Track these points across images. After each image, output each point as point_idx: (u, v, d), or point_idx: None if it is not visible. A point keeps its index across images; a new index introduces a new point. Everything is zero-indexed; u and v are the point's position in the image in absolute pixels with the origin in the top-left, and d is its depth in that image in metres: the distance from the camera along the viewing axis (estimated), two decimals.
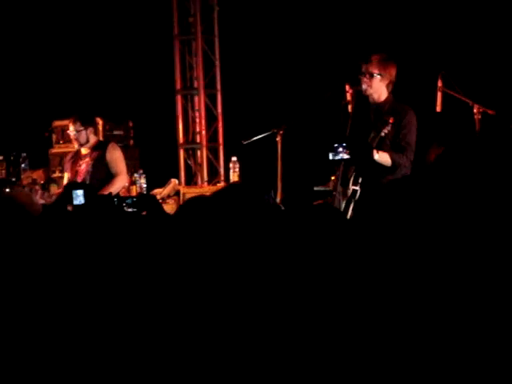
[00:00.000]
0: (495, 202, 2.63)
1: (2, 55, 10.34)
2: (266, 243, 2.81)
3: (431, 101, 7.22)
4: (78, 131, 7.79)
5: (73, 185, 7.39)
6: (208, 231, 2.86)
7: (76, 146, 7.93)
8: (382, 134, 6.37)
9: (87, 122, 7.84)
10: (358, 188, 6.39)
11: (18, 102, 10.34)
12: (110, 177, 7.87)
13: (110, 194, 7.58)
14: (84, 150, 7.92)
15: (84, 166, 7.82)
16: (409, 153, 6.49)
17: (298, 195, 7.37)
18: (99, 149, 7.88)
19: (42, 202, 7.41)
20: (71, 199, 5.90)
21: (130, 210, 5.91)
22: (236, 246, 2.80)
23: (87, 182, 7.66)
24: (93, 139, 7.92)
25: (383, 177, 6.39)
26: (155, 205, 4.94)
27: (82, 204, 6.90)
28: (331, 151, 6.28)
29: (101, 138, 9.12)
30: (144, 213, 5.10)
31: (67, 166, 8.04)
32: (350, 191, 6.40)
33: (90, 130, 7.86)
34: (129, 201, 6.35)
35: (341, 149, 6.25)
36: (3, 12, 10.18)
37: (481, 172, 2.80)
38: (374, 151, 6.33)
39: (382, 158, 6.38)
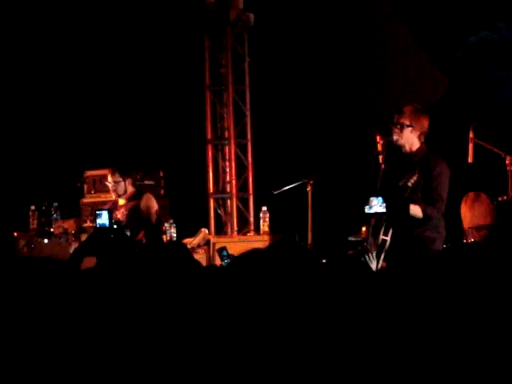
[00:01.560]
0: None
1: (36, 105, 10.47)
2: (306, 298, 2.80)
3: (463, 152, 7.21)
4: (116, 182, 7.87)
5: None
6: (259, 286, 2.85)
7: (114, 196, 8.02)
8: (409, 184, 6.36)
9: (126, 173, 7.93)
10: (387, 238, 6.36)
11: (51, 151, 10.44)
12: (142, 227, 7.93)
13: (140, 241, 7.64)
14: (121, 201, 8.00)
15: (119, 217, 7.88)
16: (440, 204, 6.46)
17: (330, 246, 7.35)
18: (135, 199, 7.94)
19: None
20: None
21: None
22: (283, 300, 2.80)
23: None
24: (130, 190, 7.99)
25: (414, 229, 6.37)
26: (184, 252, 4.93)
27: (105, 227, 6.92)
28: (366, 204, 6.26)
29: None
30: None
31: None
32: (379, 241, 6.38)
33: (129, 181, 7.95)
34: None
35: (375, 202, 6.23)
36: (34, 67, 10.33)
37: None
38: (412, 206, 6.31)
39: (414, 210, 6.37)
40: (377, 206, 6.22)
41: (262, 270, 2.76)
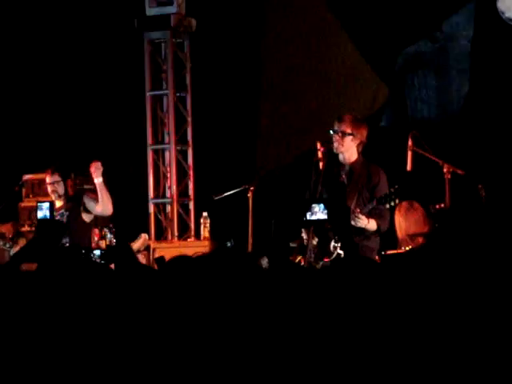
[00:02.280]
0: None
1: None
2: (245, 302, 2.82)
3: (402, 160, 7.31)
4: (56, 182, 7.75)
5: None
6: (192, 288, 2.86)
7: (53, 197, 7.87)
8: (366, 210, 6.38)
9: (65, 174, 7.82)
10: (341, 252, 6.41)
11: None
12: (86, 226, 7.85)
13: (78, 245, 7.57)
14: (58, 203, 7.87)
15: (58, 218, 7.76)
16: (388, 215, 6.55)
17: (273, 251, 7.38)
18: (74, 200, 7.84)
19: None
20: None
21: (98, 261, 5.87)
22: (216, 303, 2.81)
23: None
24: (69, 191, 7.87)
25: (360, 240, 6.44)
26: (128, 254, 4.90)
27: (47, 218, 6.85)
28: (308, 211, 6.29)
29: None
30: (112, 265, 5.06)
31: None
32: (334, 254, 6.40)
33: (68, 181, 7.84)
34: (97, 252, 6.30)
35: (317, 208, 6.27)
36: None
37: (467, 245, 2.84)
38: (365, 218, 6.35)
39: (371, 225, 6.42)
40: (319, 212, 6.25)
41: (191, 275, 2.78)
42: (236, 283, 2.82)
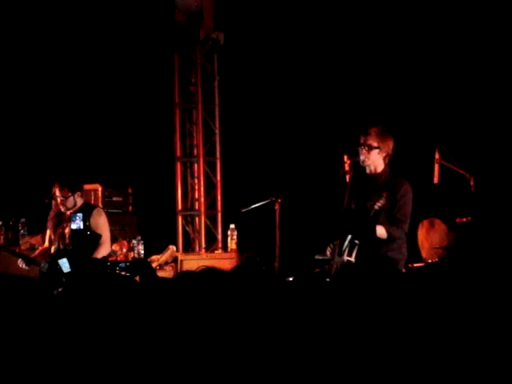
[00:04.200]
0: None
1: (3, 118, 10.44)
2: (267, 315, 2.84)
3: (429, 173, 7.30)
4: (65, 197, 7.78)
5: (57, 254, 7.44)
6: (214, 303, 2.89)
7: (62, 209, 7.88)
8: (376, 207, 6.43)
9: (74, 187, 7.83)
10: (352, 259, 6.43)
11: (19, 167, 10.41)
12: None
13: (104, 258, 7.62)
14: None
15: (68, 230, 7.77)
16: (404, 225, 6.54)
17: (297, 264, 7.40)
18: (85, 212, 7.84)
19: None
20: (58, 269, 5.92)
21: (122, 273, 5.94)
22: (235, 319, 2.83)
23: (71, 247, 7.65)
24: (79, 202, 7.88)
25: (378, 249, 6.44)
26: (148, 270, 4.97)
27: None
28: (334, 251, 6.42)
29: (100, 204, 9.18)
30: (137, 278, 5.11)
31: (50, 224, 8.02)
32: (344, 262, 6.44)
33: (78, 193, 7.85)
34: (122, 265, 6.40)
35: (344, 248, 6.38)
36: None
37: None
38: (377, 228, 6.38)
39: (379, 231, 6.43)
40: (344, 255, 6.37)
41: (194, 292, 2.81)
42: (256, 298, 2.85)
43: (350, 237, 6.45)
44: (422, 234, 7.16)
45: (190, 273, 3.14)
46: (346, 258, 6.44)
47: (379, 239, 6.43)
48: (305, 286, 3.05)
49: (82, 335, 2.87)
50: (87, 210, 7.81)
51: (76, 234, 7.13)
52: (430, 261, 6.98)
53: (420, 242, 7.05)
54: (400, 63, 9.23)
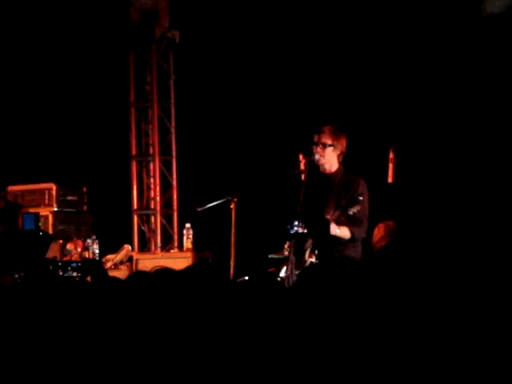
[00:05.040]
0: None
1: None
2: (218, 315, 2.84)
3: (383, 172, 7.35)
4: None
5: None
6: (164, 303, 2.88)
7: None
8: (351, 212, 6.42)
9: None
10: (314, 260, 6.44)
11: None
12: None
13: (55, 258, 7.55)
14: None
15: None
16: (364, 224, 6.57)
17: (252, 263, 7.41)
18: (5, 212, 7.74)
19: None
20: None
21: (74, 274, 5.90)
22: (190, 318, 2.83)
23: None
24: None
25: (337, 249, 6.46)
26: (100, 270, 4.95)
27: (32, 230, 6.86)
28: (288, 225, 6.35)
29: (54, 204, 9.17)
30: (88, 278, 5.08)
31: None
32: (307, 263, 6.44)
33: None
34: (74, 265, 6.36)
35: (296, 222, 6.32)
36: None
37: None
38: (336, 226, 6.39)
39: (343, 232, 6.45)
40: (299, 226, 6.31)
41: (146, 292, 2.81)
42: (207, 297, 2.85)
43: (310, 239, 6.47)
44: (377, 235, 7.18)
45: (142, 273, 3.14)
46: (308, 259, 6.45)
47: (336, 239, 6.44)
48: (258, 286, 3.06)
49: (31, 335, 2.85)
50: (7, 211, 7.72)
51: (28, 235, 7.08)
52: None
53: (373, 243, 7.07)
54: (354, 61, 9.27)
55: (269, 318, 2.82)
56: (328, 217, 6.47)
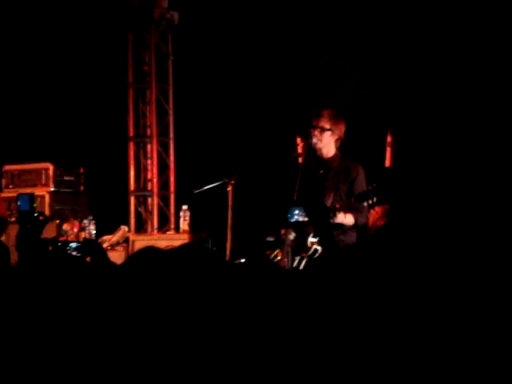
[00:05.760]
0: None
1: None
2: (209, 299, 2.84)
3: (381, 156, 7.34)
4: None
5: None
6: (156, 284, 2.87)
7: None
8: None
9: None
10: (318, 247, 6.44)
11: None
12: None
13: (55, 238, 7.55)
14: None
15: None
16: (366, 211, 6.58)
17: (249, 245, 7.42)
18: None
19: None
20: None
21: (74, 254, 5.90)
22: (180, 300, 2.82)
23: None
24: None
25: (337, 236, 6.47)
26: (99, 251, 4.95)
27: (27, 210, 6.87)
28: (288, 213, 6.35)
29: (51, 184, 9.17)
30: (88, 259, 5.08)
31: None
32: (311, 250, 6.43)
33: None
34: (73, 245, 6.35)
35: (297, 211, 6.33)
36: None
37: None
38: (343, 214, 6.39)
39: (348, 219, 6.46)
40: (298, 215, 6.31)
41: (160, 268, 2.80)
42: (204, 279, 2.84)
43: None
44: (374, 217, 7.18)
45: (150, 249, 3.11)
46: (312, 245, 6.42)
47: (338, 225, 6.45)
48: (255, 268, 3.05)
49: (32, 316, 2.85)
50: None
51: (24, 216, 7.06)
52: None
53: (370, 225, 7.07)
54: (350, 46, 9.25)
55: (267, 302, 2.81)
56: (330, 202, 6.48)
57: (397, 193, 7.51)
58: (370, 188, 6.41)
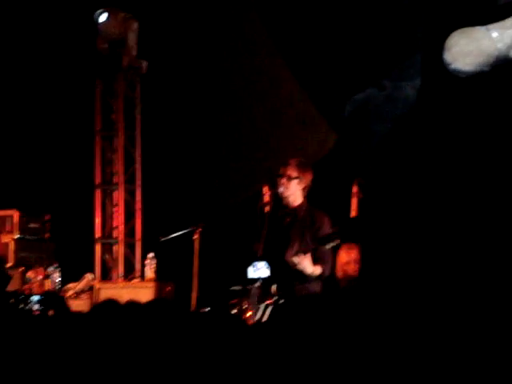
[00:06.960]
0: None
1: None
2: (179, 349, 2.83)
3: (346, 206, 7.37)
4: None
5: None
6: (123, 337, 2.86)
7: None
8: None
9: None
10: (278, 298, 6.44)
11: None
12: None
13: (16, 291, 7.46)
14: None
15: None
16: (331, 262, 6.59)
17: (214, 294, 7.39)
18: None
19: None
20: None
21: (36, 307, 5.79)
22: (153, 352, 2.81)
23: None
24: None
25: (300, 284, 6.47)
26: (61, 304, 4.90)
27: None
28: (252, 267, 6.39)
29: (16, 231, 9.08)
30: (51, 312, 5.03)
31: None
32: (275, 296, 6.43)
33: None
34: (35, 298, 6.25)
35: (261, 265, 6.36)
36: None
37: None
38: (312, 266, 6.40)
39: (316, 271, 6.47)
40: (262, 269, 6.34)
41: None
42: (167, 334, 2.83)
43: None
44: (344, 258, 7.18)
45: (105, 306, 3.10)
46: (277, 291, 6.44)
47: (302, 276, 6.45)
48: (218, 318, 3.05)
49: None
50: None
51: None
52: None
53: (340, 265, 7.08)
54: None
55: (229, 351, 2.81)
56: (294, 251, 6.48)
57: (364, 243, 7.53)
58: (333, 231, 6.44)
